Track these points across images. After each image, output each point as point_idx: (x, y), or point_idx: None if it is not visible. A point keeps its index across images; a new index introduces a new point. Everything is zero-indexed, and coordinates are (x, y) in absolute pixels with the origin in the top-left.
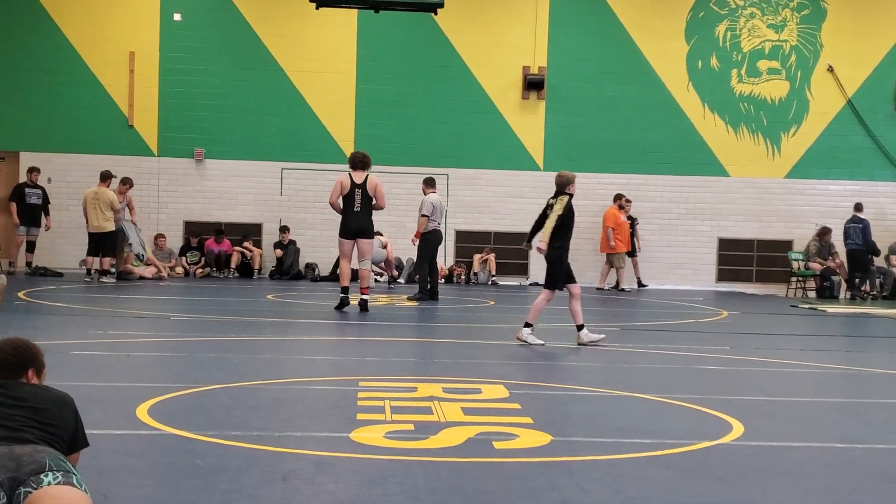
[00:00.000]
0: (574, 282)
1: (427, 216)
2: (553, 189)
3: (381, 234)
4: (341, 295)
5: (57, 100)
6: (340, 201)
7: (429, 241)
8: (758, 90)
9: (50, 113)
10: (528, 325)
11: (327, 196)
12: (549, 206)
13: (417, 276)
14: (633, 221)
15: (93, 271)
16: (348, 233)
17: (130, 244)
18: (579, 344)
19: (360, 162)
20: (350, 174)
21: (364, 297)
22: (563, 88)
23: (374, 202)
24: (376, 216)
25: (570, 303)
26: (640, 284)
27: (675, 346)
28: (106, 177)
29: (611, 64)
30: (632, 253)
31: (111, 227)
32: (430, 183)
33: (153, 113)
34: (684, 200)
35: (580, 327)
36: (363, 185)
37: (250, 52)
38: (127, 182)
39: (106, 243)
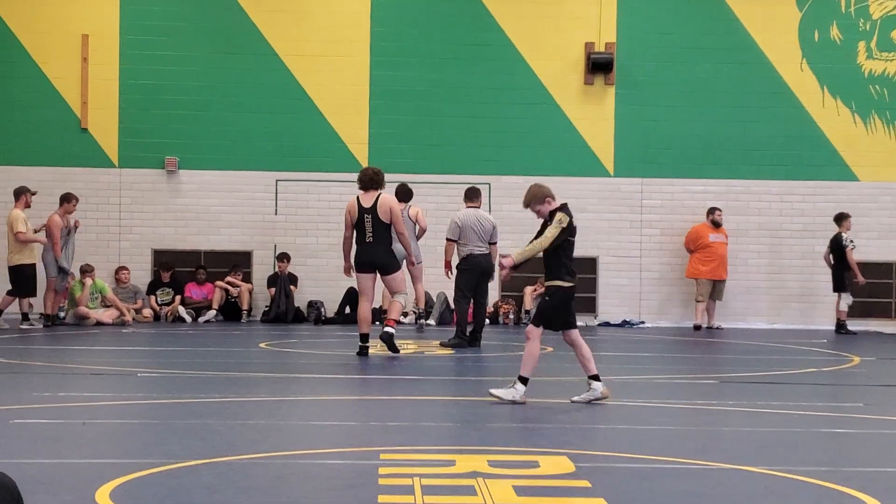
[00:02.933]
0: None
1: (453, 240)
2: (626, 200)
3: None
4: (360, 344)
5: None
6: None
7: (464, 270)
8: (893, 68)
9: None
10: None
11: (334, 214)
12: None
13: (454, 316)
14: (840, 245)
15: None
16: (363, 265)
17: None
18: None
19: (368, 181)
20: (358, 197)
21: (389, 329)
22: (638, 70)
23: (393, 227)
24: None
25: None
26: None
27: (790, 403)
28: (17, 194)
29: (700, 37)
30: (842, 287)
31: (18, 259)
32: (469, 195)
33: (112, 112)
34: (799, 213)
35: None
36: (373, 210)
37: (236, 33)
38: (71, 199)
39: (17, 281)
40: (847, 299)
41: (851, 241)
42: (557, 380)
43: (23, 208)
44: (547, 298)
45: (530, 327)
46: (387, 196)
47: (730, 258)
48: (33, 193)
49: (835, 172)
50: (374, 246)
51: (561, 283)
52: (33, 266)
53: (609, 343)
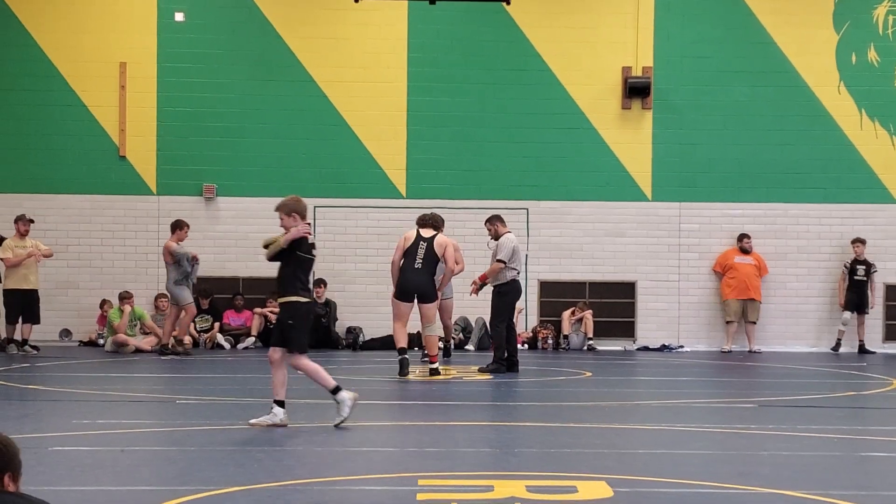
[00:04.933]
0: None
1: (504, 262)
2: (664, 224)
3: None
4: (399, 357)
5: (28, 126)
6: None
7: (506, 294)
8: None
9: (19, 144)
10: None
11: (372, 240)
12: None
13: (492, 342)
14: (867, 268)
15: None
16: (406, 293)
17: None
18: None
19: (430, 219)
20: (418, 230)
21: (433, 364)
22: (676, 94)
23: (439, 263)
24: None
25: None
26: (863, 349)
27: (830, 427)
28: (14, 222)
29: (737, 61)
30: (860, 308)
31: (7, 284)
32: (503, 220)
33: (151, 140)
34: (838, 236)
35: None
36: (430, 241)
37: (273, 60)
38: (183, 226)
39: (5, 305)
40: (844, 317)
41: (845, 267)
42: (595, 404)
43: (19, 237)
44: (290, 322)
45: (271, 351)
46: (446, 238)
47: (769, 281)
48: (30, 221)
49: (873, 195)
50: (420, 273)
51: (298, 298)
52: (28, 292)
53: (648, 367)
